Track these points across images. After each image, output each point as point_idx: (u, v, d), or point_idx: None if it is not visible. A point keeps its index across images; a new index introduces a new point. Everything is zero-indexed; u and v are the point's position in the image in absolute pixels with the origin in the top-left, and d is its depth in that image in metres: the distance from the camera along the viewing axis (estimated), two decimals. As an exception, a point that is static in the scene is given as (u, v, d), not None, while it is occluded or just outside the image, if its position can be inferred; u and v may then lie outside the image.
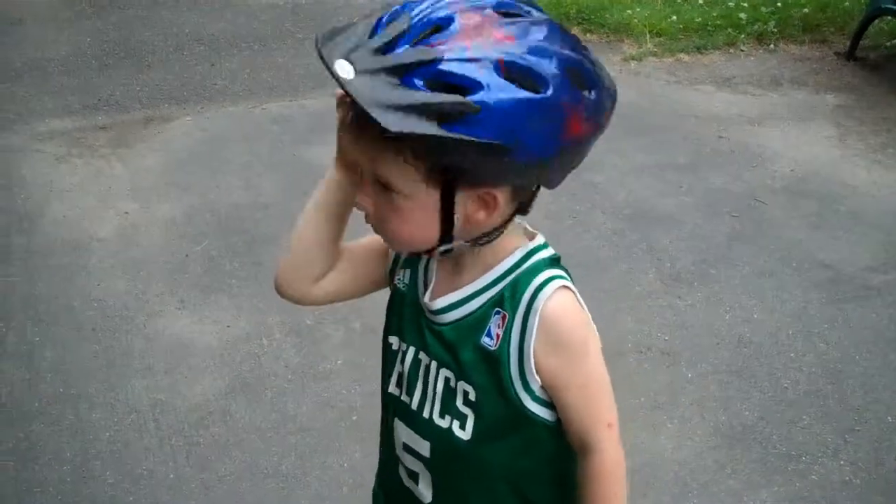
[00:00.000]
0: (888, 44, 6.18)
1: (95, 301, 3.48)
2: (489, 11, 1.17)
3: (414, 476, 1.44)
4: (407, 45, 1.13)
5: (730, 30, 6.26)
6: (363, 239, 1.48)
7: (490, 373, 1.31)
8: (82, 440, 2.91)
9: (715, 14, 6.43)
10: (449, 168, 1.19)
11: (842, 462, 2.84)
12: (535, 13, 1.21)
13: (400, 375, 1.42)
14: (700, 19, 6.36)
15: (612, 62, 5.62)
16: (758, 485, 2.77)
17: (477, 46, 1.13)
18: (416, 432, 1.39)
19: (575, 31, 6.23)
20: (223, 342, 3.31)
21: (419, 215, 1.24)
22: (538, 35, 1.17)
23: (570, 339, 1.30)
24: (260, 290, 3.56)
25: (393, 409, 1.44)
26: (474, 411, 1.33)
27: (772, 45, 6.20)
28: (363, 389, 3.03)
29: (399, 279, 1.45)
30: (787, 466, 2.82)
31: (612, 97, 1.24)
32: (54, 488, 2.75)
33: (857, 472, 2.81)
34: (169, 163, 4.44)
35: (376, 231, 1.32)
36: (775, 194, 4.37)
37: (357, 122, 1.21)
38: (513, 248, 1.32)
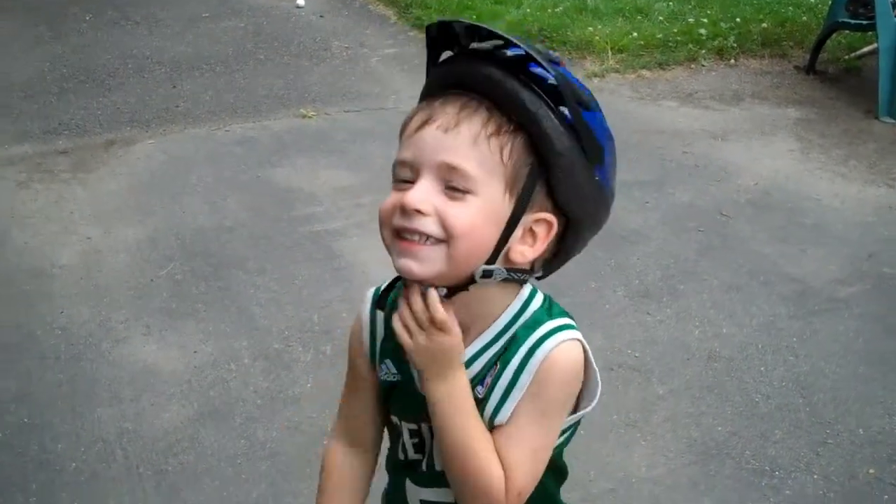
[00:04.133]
0: (846, 57, 6.27)
1: (59, 329, 3.42)
2: None
3: None
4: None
5: (690, 45, 6.32)
6: (344, 398, 1.48)
7: None
8: (48, 471, 2.84)
9: (675, 30, 6.49)
10: (535, 179, 1.21)
11: (815, 476, 2.85)
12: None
13: (414, 445, 1.39)
14: (661, 35, 6.41)
15: (575, 79, 5.63)
16: (732, 502, 2.76)
17: None
18: (436, 486, 1.37)
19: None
20: (190, 368, 3.26)
21: (482, 222, 1.19)
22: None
23: (551, 396, 1.28)
24: (227, 314, 3.52)
25: (405, 474, 1.42)
26: None
27: (732, 60, 6.27)
28: (333, 413, 2.99)
29: (383, 373, 1.40)
30: (762, 482, 2.82)
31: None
32: (19, 523, 2.69)
33: (830, 485, 2.82)
34: (132, 186, 4.39)
35: (411, 255, 1.20)
36: (741, 208, 4.40)
37: (461, 101, 1.20)
38: (512, 297, 1.30)
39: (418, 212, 1.17)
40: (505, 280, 1.26)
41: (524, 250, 1.24)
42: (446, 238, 1.18)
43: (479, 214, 1.18)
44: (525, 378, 1.26)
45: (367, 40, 6.28)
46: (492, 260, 1.23)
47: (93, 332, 3.42)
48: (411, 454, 1.40)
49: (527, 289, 1.32)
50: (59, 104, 5.24)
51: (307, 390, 3.16)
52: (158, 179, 4.46)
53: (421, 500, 1.42)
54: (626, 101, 5.58)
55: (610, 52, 6.17)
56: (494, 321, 1.29)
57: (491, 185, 1.18)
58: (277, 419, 3.05)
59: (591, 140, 1.23)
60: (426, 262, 1.20)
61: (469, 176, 1.17)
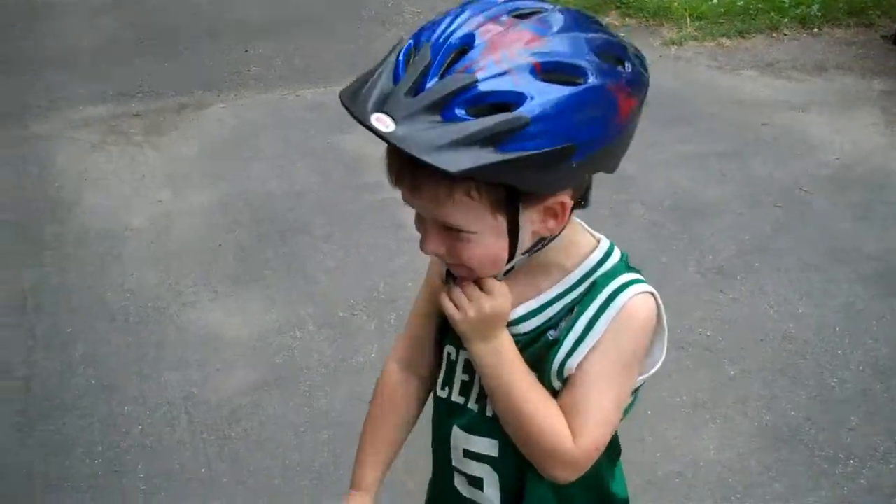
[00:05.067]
0: (937, 27, 6.02)
1: (128, 291, 3.45)
2: (505, 18, 1.13)
3: (477, 482, 1.41)
4: (436, 79, 1.08)
5: (772, 13, 6.12)
6: (413, 316, 1.51)
7: (537, 360, 1.29)
8: (114, 433, 2.88)
9: (757, -3, 6.29)
10: (514, 190, 1.15)
11: (892, 466, 2.75)
12: (545, 4, 1.17)
13: (464, 383, 1.39)
14: (742, 3, 6.21)
15: (651, 47, 5.50)
16: (804, 489, 2.68)
17: (506, 57, 1.09)
18: (482, 436, 1.37)
19: (613, 15, 6.13)
20: (256, 334, 3.27)
21: (490, 241, 1.20)
22: (559, 26, 1.14)
23: (625, 346, 1.27)
24: (293, 280, 3.52)
25: (452, 417, 1.41)
26: None
27: (816, 29, 6.05)
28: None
29: None
30: (835, 470, 2.73)
31: (642, 62, 1.21)
32: (85, 482, 2.72)
33: (907, 475, 2.72)
34: (203, 150, 4.41)
35: (452, 269, 1.28)
36: (821, 183, 4.25)
37: (408, 175, 1.15)
38: (588, 251, 1.31)
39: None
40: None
41: (551, 225, 1.23)
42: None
43: (480, 246, 1.20)
44: (602, 324, 1.25)
45: (438, 5, 6.20)
46: (513, 255, 1.23)
47: (161, 295, 3.44)
48: (455, 395, 1.40)
49: (606, 242, 1.33)
50: (133, 67, 5.28)
51: (371, 360, 3.14)
52: (229, 144, 4.47)
53: (465, 450, 1.40)
54: (704, 69, 5.43)
55: (688, 20, 6.00)
56: (572, 271, 1.30)
57: (478, 220, 1.17)
58: (341, 388, 3.04)
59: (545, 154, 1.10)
60: (468, 274, 1.26)
61: (457, 224, 1.18)
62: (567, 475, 1.29)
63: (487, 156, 1.06)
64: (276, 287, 3.50)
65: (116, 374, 3.09)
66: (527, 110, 1.07)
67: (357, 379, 3.07)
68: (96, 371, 3.10)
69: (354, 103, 1.10)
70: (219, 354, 3.18)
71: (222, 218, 3.90)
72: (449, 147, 1.05)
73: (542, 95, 1.08)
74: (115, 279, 3.52)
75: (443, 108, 1.07)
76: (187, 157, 4.36)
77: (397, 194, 1.20)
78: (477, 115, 1.07)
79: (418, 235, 1.24)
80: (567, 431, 1.26)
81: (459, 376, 1.39)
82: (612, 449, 1.42)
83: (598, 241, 1.33)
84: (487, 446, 1.37)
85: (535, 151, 1.08)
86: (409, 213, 1.24)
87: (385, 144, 1.10)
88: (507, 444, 1.34)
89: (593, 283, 1.28)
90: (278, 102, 4.87)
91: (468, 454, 1.40)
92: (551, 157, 1.09)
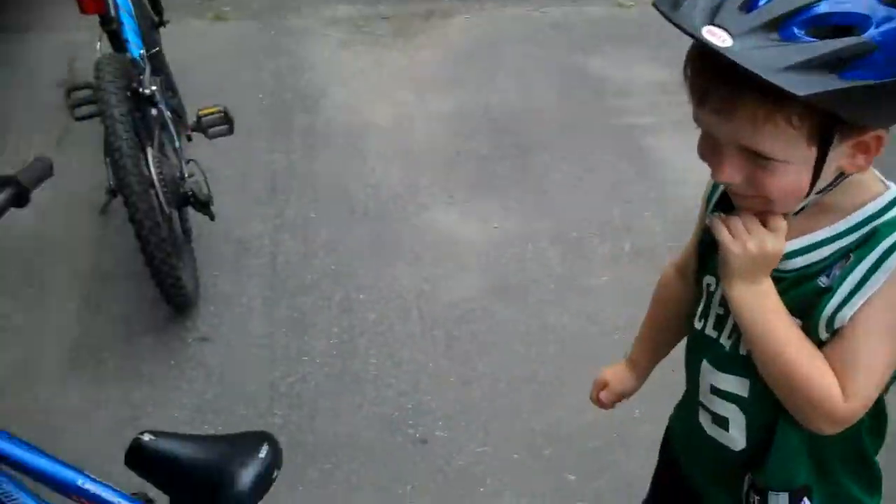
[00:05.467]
0: None
1: (369, 186, 3.54)
2: None
3: (722, 422, 1.37)
4: None
5: None
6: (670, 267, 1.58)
7: (806, 307, 1.22)
8: (350, 317, 3.00)
9: None
10: (834, 119, 1.07)
11: None
12: None
13: (718, 317, 1.34)
14: None
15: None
16: None
17: None
18: (732, 373, 1.33)
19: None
20: (489, 242, 3.30)
21: (797, 173, 1.13)
22: None
23: None
24: (528, 194, 3.52)
25: (702, 351, 1.37)
26: None
27: None
28: (628, 313, 2.93)
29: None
30: None
31: None
32: (321, 359, 2.86)
33: None
34: (447, 58, 4.43)
35: (737, 200, 1.21)
36: None
37: (724, 94, 1.08)
38: (873, 195, 1.21)
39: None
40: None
41: (858, 161, 1.15)
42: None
43: (786, 177, 1.13)
44: (880, 276, 1.17)
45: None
46: (810, 190, 1.16)
47: (400, 193, 3.52)
48: (709, 328, 1.35)
49: (895, 188, 1.23)
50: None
51: (602, 283, 3.12)
52: (472, 54, 4.47)
53: (712, 387, 1.36)
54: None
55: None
56: (851, 213, 1.21)
57: (791, 148, 1.10)
58: (570, 306, 3.04)
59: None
60: (757, 207, 1.20)
61: (767, 151, 1.10)
62: (830, 429, 1.23)
63: (831, 82, 1.00)
64: (512, 199, 3.50)
65: (354, 262, 3.21)
66: (872, 35, 1.00)
67: (585, 300, 3.06)
68: (335, 258, 3.22)
69: (676, 12, 1.04)
70: (452, 256, 3.24)
71: (462, 125, 3.93)
72: (793, 69, 0.99)
73: (887, 22, 1.01)
74: (358, 172, 3.62)
75: (781, 27, 1.01)
76: (432, 62, 4.40)
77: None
78: (817, 37, 1.00)
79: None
80: (836, 385, 1.19)
81: (715, 309, 1.34)
82: (877, 416, 1.34)
83: (888, 188, 1.23)
84: (737, 385, 1.32)
85: (878, 81, 1.01)
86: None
87: (682, 65, 1.07)
88: (758, 385, 1.28)
89: (874, 231, 1.19)
90: (524, 17, 4.82)
91: (715, 391, 1.36)
92: (889, 91, 1.02)
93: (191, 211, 3.03)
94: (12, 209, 1.69)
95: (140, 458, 1.56)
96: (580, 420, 2.63)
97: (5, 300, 3.01)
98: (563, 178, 3.61)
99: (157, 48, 3.41)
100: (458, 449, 2.60)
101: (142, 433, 1.57)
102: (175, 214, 2.91)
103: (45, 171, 1.77)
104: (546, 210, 3.45)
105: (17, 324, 2.96)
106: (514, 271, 3.17)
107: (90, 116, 3.13)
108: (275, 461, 1.57)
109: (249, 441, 1.58)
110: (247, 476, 1.51)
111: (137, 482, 1.65)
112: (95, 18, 2.98)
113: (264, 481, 1.53)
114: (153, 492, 1.65)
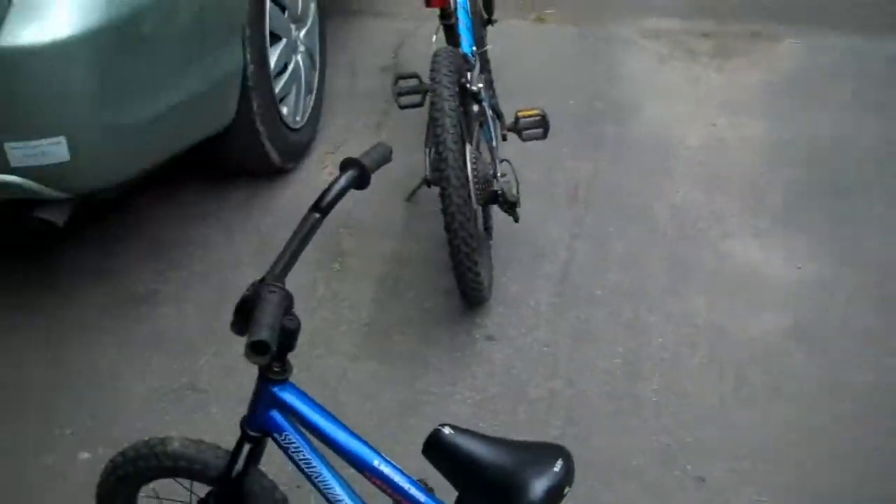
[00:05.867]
0: None
1: (673, 206, 3.47)
2: None
3: None
4: None
5: None
6: None
7: None
8: (637, 338, 2.95)
9: None
10: None
11: None
12: None
13: None
14: None
15: None
16: None
17: None
18: None
19: None
20: (792, 282, 3.14)
21: None
22: None
23: None
24: (839, 237, 3.31)
25: None
26: None
27: None
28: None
29: None
30: None
31: None
32: (603, 376, 2.83)
33: None
34: (767, 83, 4.25)
35: None
36: None
37: None
38: None
39: None
40: None
41: None
42: None
43: None
44: None
45: None
46: None
47: (703, 217, 3.42)
48: None
49: None
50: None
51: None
52: (794, 81, 4.26)
53: None
54: None
55: None
56: None
57: None
58: (877, 364, 2.83)
59: None
60: None
61: None
62: None
63: None
64: (820, 239, 3.31)
65: (647, 282, 3.15)
66: None
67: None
68: (629, 274, 3.18)
69: None
70: (749, 291, 3.11)
71: (774, 155, 3.76)
72: None
73: None
74: (662, 191, 3.55)
75: None
76: (750, 86, 4.23)
77: None
78: None
79: None
80: None
81: None
82: None
83: None
84: None
85: None
86: None
87: None
88: None
89: None
90: (854, 49, 4.53)
91: None
92: None
93: (494, 209, 3.09)
94: (353, 190, 1.78)
95: (438, 448, 1.60)
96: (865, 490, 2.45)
97: (311, 270, 3.19)
98: (880, 225, 3.37)
99: (485, 47, 3.50)
100: (735, 494, 2.49)
101: (442, 425, 1.62)
102: (480, 211, 2.98)
103: (385, 156, 1.86)
104: (857, 257, 3.23)
105: (320, 294, 3.14)
106: (816, 318, 3.00)
107: (413, 106, 3.28)
108: (567, 477, 1.56)
109: (546, 452, 1.59)
110: (540, 486, 1.52)
111: (414, 467, 1.70)
112: (425, 11, 3.09)
113: (556, 496, 1.53)
114: (432, 481, 1.70)
